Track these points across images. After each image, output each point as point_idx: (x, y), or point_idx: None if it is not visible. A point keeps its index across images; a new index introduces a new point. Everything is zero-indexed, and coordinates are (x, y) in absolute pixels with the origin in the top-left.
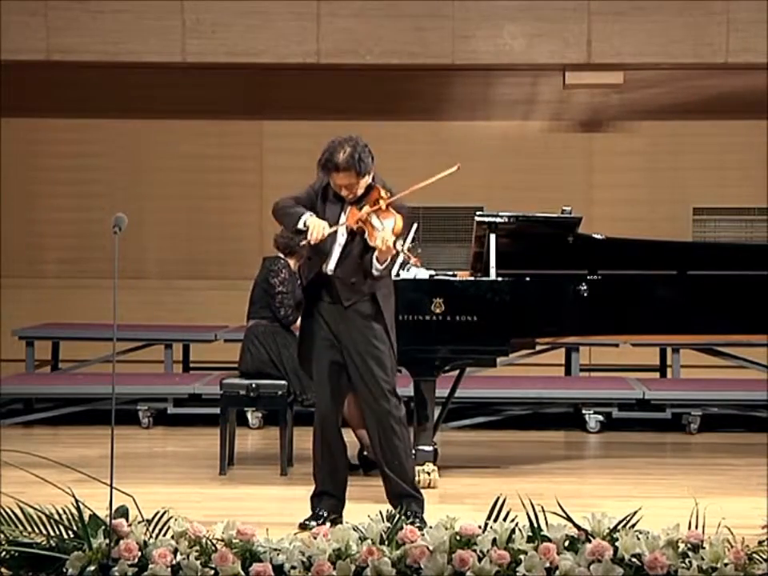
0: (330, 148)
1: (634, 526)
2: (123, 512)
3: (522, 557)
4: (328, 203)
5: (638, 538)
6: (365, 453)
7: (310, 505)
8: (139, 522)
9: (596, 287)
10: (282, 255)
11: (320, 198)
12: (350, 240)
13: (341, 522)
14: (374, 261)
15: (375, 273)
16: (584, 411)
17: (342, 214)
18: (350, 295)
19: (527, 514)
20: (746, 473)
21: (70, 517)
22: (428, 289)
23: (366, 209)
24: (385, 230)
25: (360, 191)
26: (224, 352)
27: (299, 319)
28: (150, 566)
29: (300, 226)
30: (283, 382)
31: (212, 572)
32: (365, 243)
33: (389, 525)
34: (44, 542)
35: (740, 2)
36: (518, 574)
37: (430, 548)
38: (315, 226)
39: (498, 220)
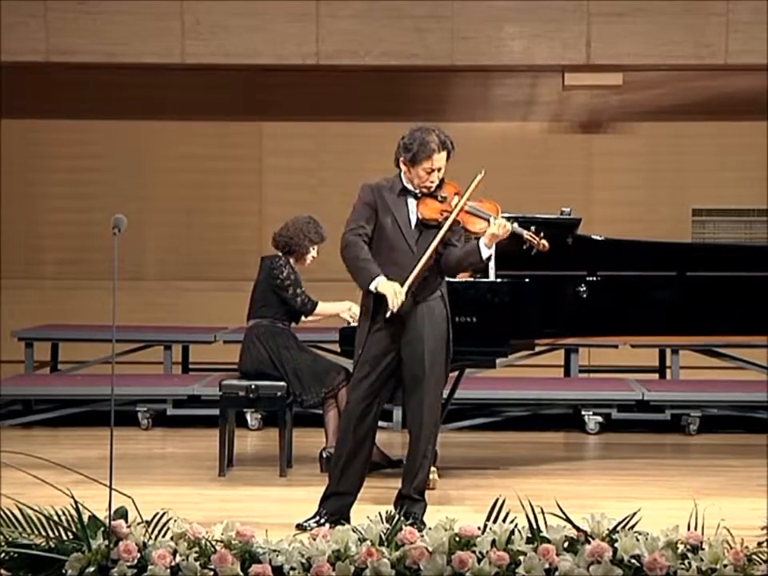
0: (418, 135)
1: (633, 527)
2: (122, 513)
3: (521, 558)
4: (391, 205)
5: (638, 539)
6: None
7: (318, 505)
8: (138, 524)
9: (595, 288)
10: (280, 254)
11: (380, 204)
12: (420, 233)
13: (342, 523)
14: (482, 246)
15: (484, 256)
16: (583, 412)
17: (411, 210)
18: (422, 290)
19: (526, 515)
20: (745, 474)
21: (69, 518)
22: None
23: (456, 199)
24: (494, 215)
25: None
26: (223, 353)
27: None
28: (150, 567)
29: (372, 289)
30: (283, 383)
31: (211, 573)
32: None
33: (388, 526)
34: (43, 544)
35: (739, 3)
36: (517, 575)
37: (430, 549)
38: (390, 294)
39: None
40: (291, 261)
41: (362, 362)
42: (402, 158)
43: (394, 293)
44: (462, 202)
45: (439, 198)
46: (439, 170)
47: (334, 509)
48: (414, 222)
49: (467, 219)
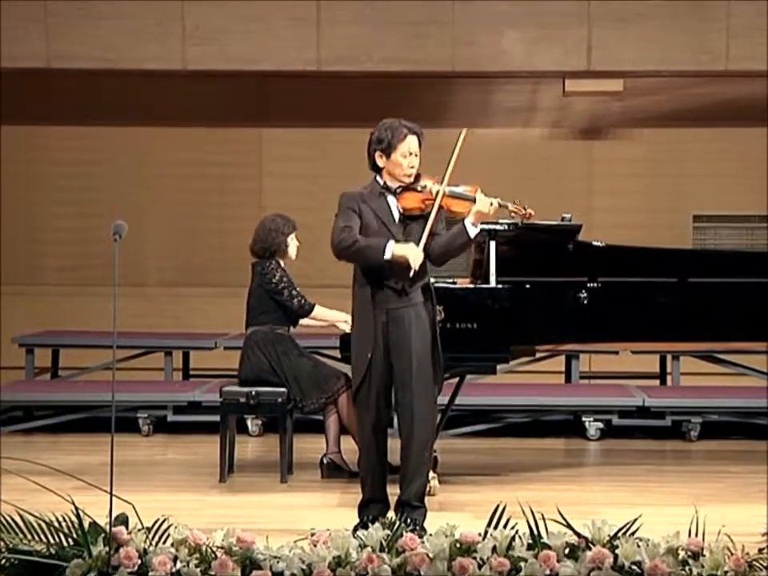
0: (387, 125)
1: (634, 533)
2: (123, 519)
3: (522, 564)
4: (373, 205)
5: (638, 546)
6: None
7: (357, 514)
8: (139, 530)
9: (596, 294)
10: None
11: (362, 208)
12: (406, 227)
13: None
14: (468, 225)
15: (472, 235)
16: (584, 418)
17: (393, 206)
18: (411, 282)
19: (527, 521)
20: (745, 480)
21: (69, 524)
22: None
23: (436, 186)
24: (478, 193)
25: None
26: (224, 359)
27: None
28: (150, 573)
29: (388, 257)
30: (283, 389)
31: None
32: (423, 224)
33: (389, 532)
34: (44, 550)
35: (740, 9)
36: None
37: (430, 555)
38: (410, 253)
39: (498, 227)
40: (280, 262)
41: (369, 379)
42: (377, 153)
43: (413, 252)
44: (443, 185)
45: (418, 189)
46: (416, 155)
47: (376, 514)
48: (397, 217)
49: (451, 203)
